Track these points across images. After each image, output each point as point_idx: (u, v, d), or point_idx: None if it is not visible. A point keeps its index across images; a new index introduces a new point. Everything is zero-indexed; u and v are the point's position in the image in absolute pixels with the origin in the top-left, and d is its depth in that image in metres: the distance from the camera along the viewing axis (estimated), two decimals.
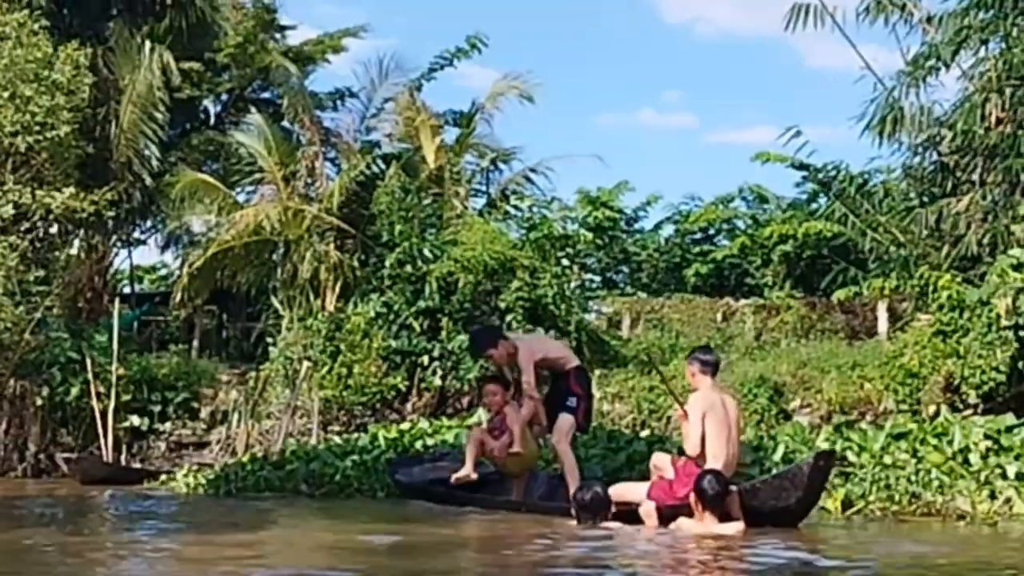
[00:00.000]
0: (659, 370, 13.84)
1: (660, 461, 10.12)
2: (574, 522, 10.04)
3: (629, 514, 9.90)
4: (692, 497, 9.38)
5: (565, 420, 11.27)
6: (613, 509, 9.98)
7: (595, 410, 18.50)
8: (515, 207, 24.60)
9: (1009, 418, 12.80)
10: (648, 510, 9.77)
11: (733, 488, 9.56)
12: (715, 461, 9.57)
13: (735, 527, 9.28)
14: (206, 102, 29.43)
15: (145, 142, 25.64)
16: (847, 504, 11.41)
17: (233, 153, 26.56)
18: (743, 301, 26.22)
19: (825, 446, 12.47)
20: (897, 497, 11.38)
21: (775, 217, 30.33)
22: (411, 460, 13.71)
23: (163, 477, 16.63)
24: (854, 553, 8.67)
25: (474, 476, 11.32)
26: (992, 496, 11.21)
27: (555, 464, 11.94)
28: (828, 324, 24.36)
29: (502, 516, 10.85)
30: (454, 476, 11.46)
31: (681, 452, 10.11)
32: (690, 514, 9.43)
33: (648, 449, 12.73)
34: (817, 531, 9.95)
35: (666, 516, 9.66)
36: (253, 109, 26.62)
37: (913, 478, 11.57)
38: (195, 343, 27.28)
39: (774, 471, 11.92)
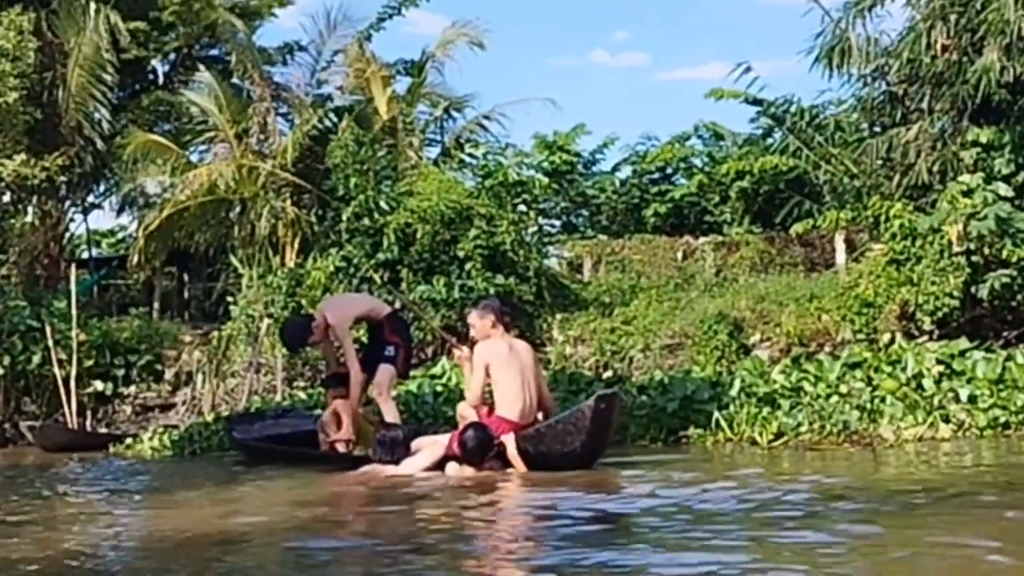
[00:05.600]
0: (428, 321, 14.06)
1: (466, 410, 10.01)
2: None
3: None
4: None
5: (385, 372, 11.34)
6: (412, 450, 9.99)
7: (558, 353, 18.88)
8: (470, 155, 24.60)
9: (962, 343, 13.03)
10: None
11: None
12: (509, 409, 9.57)
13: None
14: (154, 62, 29.16)
15: (94, 105, 25.46)
16: (780, 435, 11.52)
17: (184, 112, 26.45)
18: (702, 239, 26.33)
19: (780, 379, 12.65)
20: (828, 428, 11.50)
21: (731, 154, 30.36)
22: (252, 416, 13.90)
23: (128, 441, 16.42)
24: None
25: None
26: (939, 422, 11.45)
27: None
28: (787, 258, 24.51)
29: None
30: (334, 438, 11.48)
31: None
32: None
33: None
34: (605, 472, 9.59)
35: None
36: (202, 67, 26.45)
37: (847, 407, 11.78)
38: (156, 305, 27.27)
39: (731, 406, 12.11)
